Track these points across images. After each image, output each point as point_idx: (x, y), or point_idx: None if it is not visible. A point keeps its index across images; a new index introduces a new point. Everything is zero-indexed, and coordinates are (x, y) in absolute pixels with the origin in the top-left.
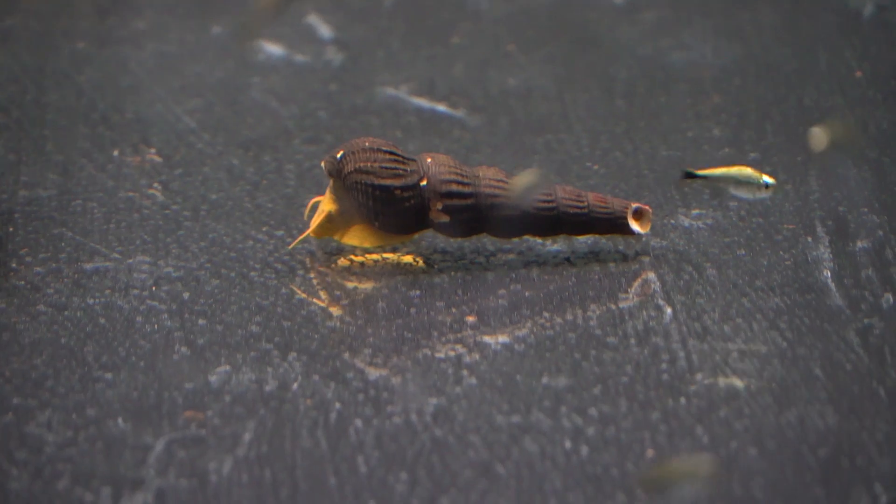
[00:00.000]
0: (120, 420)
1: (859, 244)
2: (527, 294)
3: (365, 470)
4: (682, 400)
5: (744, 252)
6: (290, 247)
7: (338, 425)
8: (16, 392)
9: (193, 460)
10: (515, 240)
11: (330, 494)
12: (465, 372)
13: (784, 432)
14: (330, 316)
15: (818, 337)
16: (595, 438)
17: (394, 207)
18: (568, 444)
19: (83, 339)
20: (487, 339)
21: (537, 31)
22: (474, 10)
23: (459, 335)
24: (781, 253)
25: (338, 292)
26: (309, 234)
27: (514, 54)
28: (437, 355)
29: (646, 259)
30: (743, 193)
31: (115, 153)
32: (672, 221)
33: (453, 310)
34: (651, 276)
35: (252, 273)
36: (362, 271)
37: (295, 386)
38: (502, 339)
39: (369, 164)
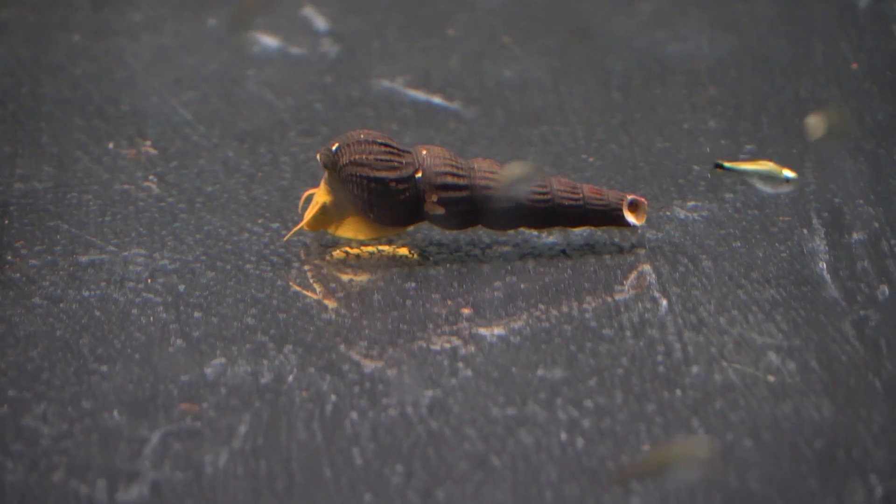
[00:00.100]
0: (115, 412)
1: (855, 236)
2: (522, 286)
3: (360, 462)
4: (678, 392)
5: (739, 244)
6: (284, 238)
7: (333, 417)
8: (11, 384)
9: (189, 453)
10: (511, 232)
11: (325, 487)
12: (460, 364)
13: (780, 424)
14: (325, 308)
15: (814, 329)
16: (591, 430)
17: (389, 199)
18: (563, 437)
19: (79, 331)
20: (483, 331)
21: (533, 22)
22: (470, 1)
23: (455, 327)
24: (777, 245)
25: (333, 284)
26: (303, 227)
27: (509, 46)
28: (433, 347)
29: (641, 251)
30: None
31: (111, 145)
32: (668, 213)
33: (449, 302)
34: (647, 268)
35: (248, 265)
36: (358, 263)
37: (290, 378)
38: (498, 331)
39: (364, 157)
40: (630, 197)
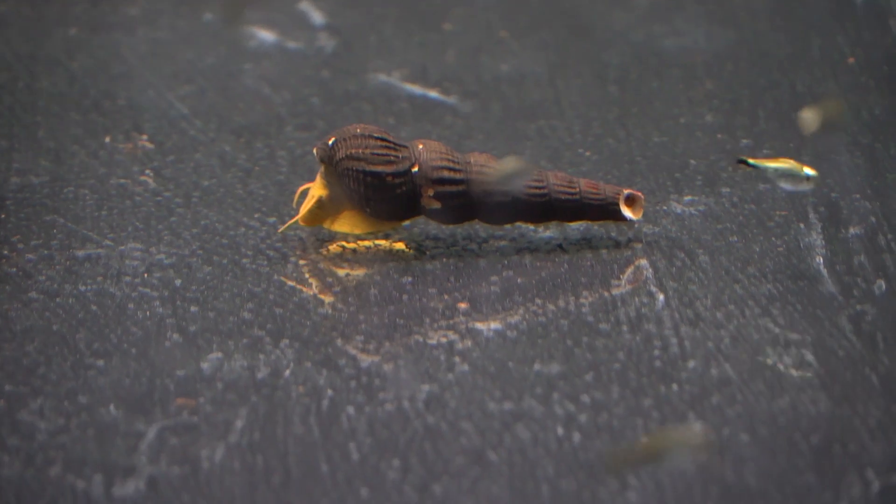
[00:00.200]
0: (112, 407)
1: (852, 230)
2: (519, 281)
3: (357, 457)
4: (675, 386)
5: (736, 239)
6: (279, 230)
7: (330, 412)
8: (8, 379)
9: (185, 447)
10: (507, 226)
11: (322, 481)
12: (457, 359)
13: (776, 419)
14: (322, 303)
15: (811, 323)
16: (587, 425)
17: (385, 194)
18: (560, 431)
19: (75, 326)
20: (480, 325)
21: (530, 17)
22: None
23: (451, 322)
24: (774, 239)
25: (330, 279)
26: (300, 223)
27: (506, 40)
28: (430, 342)
29: (638, 246)
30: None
31: (107, 140)
32: (664, 208)
33: (445, 296)
34: (643, 262)
35: (244, 260)
36: (354, 258)
37: (287, 373)
38: (494, 325)
39: (361, 151)
40: (627, 191)
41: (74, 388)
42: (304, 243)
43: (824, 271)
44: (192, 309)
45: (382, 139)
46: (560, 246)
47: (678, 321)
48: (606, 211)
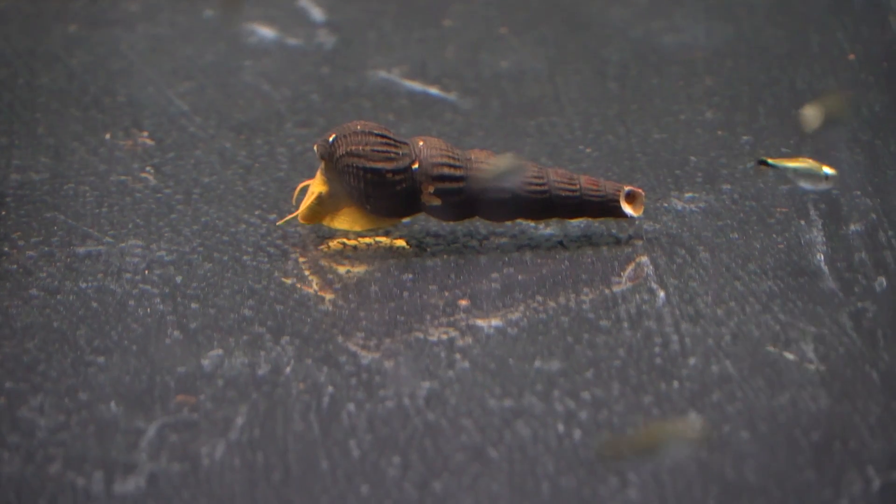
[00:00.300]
0: (112, 404)
1: (852, 227)
2: (519, 277)
3: (357, 454)
4: (675, 383)
5: (737, 235)
6: (278, 223)
7: (330, 409)
8: (8, 376)
9: (186, 444)
10: (508, 223)
11: (322, 478)
12: (457, 355)
13: (776, 416)
14: (322, 299)
15: (811, 320)
16: (588, 422)
17: (385, 191)
18: (560, 428)
19: (75, 323)
20: (480, 322)
21: (529, 13)
22: None
23: (452, 319)
24: (774, 236)
25: (330, 276)
26: (299, 220)
27: (506, 37)
28: (430, 339)
29: (639, 242)
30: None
31: (107, 136)
32: (665, 204)
33: (446, 293)
34: (644, 259)
35: (244, 257)
36: (355, 255)
37: (287, 370)
38: (495, 322)
39: (361, 148)
40: (627, 188)
41: (75, 385)
42: (304, 240)
43: (825, 268)
44: (193, 306)
45: (383, 136)
46: (560, 243)
47: (679, 318)
48: (607, 208)
